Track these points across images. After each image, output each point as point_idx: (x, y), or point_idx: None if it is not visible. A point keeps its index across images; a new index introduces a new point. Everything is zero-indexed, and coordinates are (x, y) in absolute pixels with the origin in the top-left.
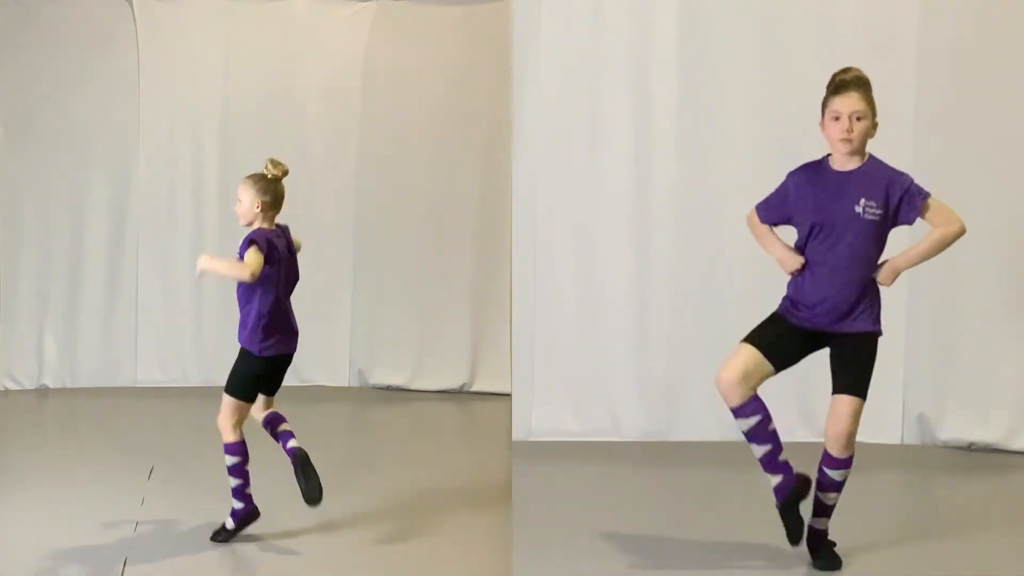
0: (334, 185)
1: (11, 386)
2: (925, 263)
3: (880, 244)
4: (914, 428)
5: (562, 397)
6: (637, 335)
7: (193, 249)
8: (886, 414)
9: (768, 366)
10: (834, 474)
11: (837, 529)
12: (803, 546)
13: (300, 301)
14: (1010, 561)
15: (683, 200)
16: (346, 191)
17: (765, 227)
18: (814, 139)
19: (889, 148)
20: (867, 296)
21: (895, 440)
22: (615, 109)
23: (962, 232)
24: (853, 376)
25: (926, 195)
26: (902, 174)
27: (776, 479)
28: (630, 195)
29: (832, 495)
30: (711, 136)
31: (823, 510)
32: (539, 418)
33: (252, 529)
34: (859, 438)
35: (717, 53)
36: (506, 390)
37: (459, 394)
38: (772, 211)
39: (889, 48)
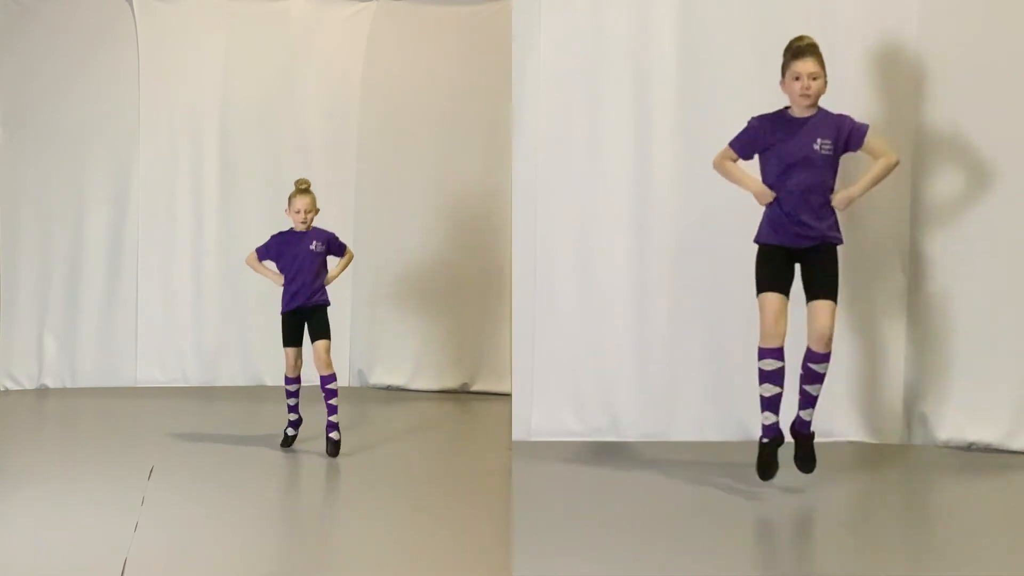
0: (333, 184)
1: (11, 386)
2: (921, 269)
3: (834, 172)
4: (915, 428)
5: (562, 397)
6: (637, 335)
7: (193, 249)
8: (887, 414)
9: (786, 299)
10: (817, 367)
11: (841, 528)
12: (791, 542)
13: None
14: (1009, 561)
15: (683, 200)
16: (346, 190)
17: (736, 166)
18: None
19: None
20: (830, 213)
21: (896, 440)
22: (615, 109)
23: (898, 163)
24: (829, 284)
25: (867, 127)
26: (845, 116)
27: (773, 418)
28: (630, 195)
29: (816, 386)
30: (711, 135)
31: (809, 401)
32: (539, 418)
33: (247, 533)
34: (860, 438)
35: (717, 52)
36: (506, 390)
37: (459, 394)
38: (747, 146)
39: (889, 45)
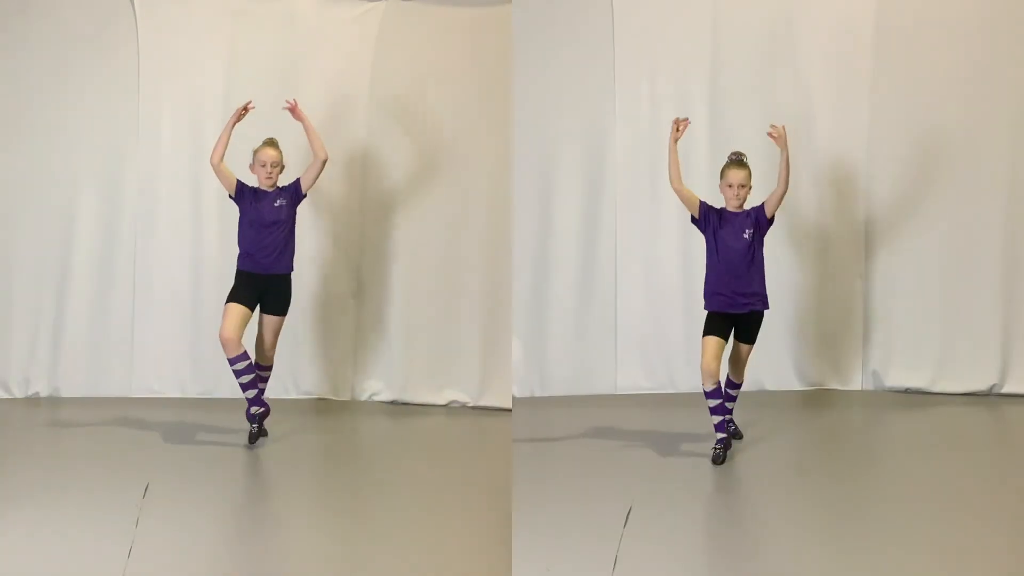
0: (339, 189)
1: (2, 395)
2: (872, 276)
3: (760, 249)
4: (869, 379)
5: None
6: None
7: (191, 255)
8: (851, 370)
9: (723, 342)
10: (736, 392)
11: (819, 450)
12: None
13: (303, 313)
14: (928, 466)
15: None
16: (352, 195)
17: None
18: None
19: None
20: (761, 287)
21: (857, 387)
22: (615, 111)
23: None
24: (754, 336)
25: (762, 205)
26: (753, 208)
27: (720, 435)
28: (632, 195)
29: (732, 404)
30: (712, 135)
31: (728, 411)
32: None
33: (253, 530)
34: (833, 386)
35: (715, 52)
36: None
37: (460, 409)
38: (704, 209)
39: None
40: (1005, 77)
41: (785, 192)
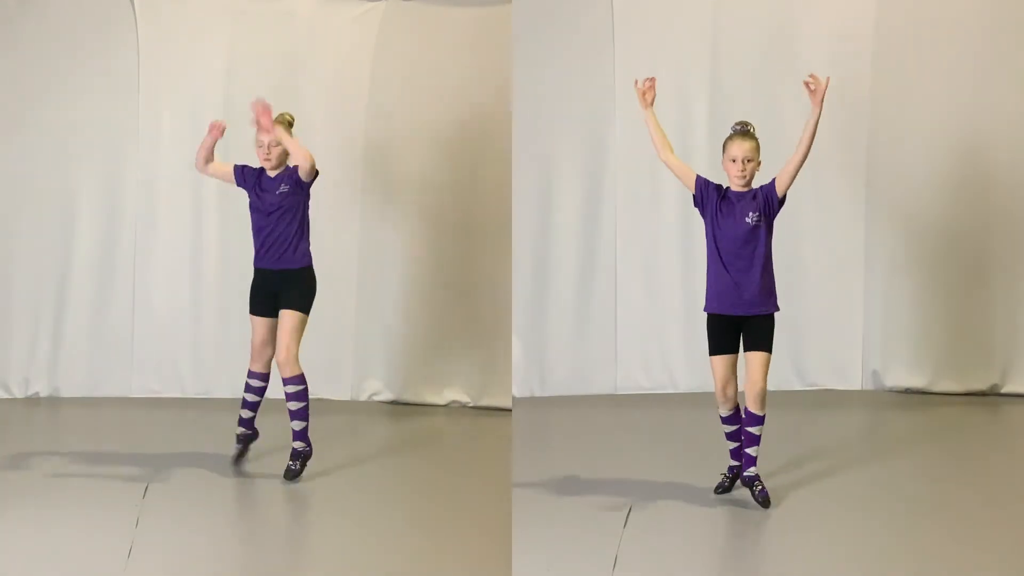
0: (339, 189)
1: (2, 395)
2: (872, 278)
3: (768, 236)
4: (869, 379)
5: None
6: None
7: (191, 255)
8: (851, 370)
9: (734, 358)
10: (758, 429)
11: (820, 443)
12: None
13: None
14: (928, 466)
15: (688, 200)
16: (352, 195)
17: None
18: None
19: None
20: (769, 283)
21: (856, 387)
22: (615, 111)
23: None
24: (769, 341)
25: (772, 181)
26: (762, 186)
27: (734, 463)
28: (632, 195)
29: (755, 448)
30: (711, 135)
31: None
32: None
33: (252, 529)
34: (831, 385)
35: (715, 52)
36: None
37: (464, 408)
38: (701, 184)
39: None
40: (1005, 77)
41: (803, 162)
